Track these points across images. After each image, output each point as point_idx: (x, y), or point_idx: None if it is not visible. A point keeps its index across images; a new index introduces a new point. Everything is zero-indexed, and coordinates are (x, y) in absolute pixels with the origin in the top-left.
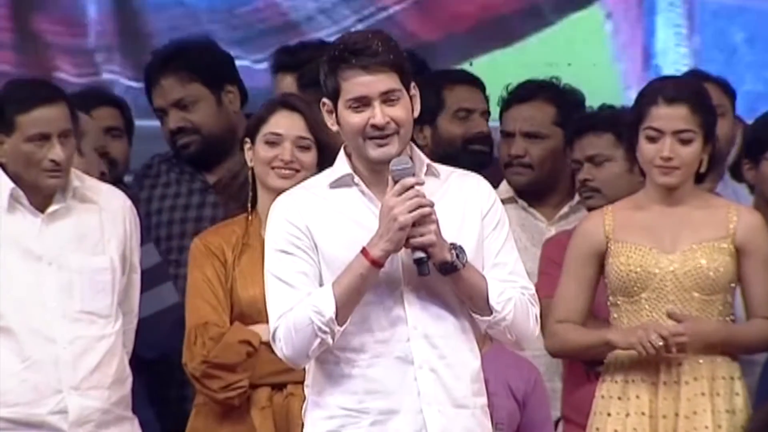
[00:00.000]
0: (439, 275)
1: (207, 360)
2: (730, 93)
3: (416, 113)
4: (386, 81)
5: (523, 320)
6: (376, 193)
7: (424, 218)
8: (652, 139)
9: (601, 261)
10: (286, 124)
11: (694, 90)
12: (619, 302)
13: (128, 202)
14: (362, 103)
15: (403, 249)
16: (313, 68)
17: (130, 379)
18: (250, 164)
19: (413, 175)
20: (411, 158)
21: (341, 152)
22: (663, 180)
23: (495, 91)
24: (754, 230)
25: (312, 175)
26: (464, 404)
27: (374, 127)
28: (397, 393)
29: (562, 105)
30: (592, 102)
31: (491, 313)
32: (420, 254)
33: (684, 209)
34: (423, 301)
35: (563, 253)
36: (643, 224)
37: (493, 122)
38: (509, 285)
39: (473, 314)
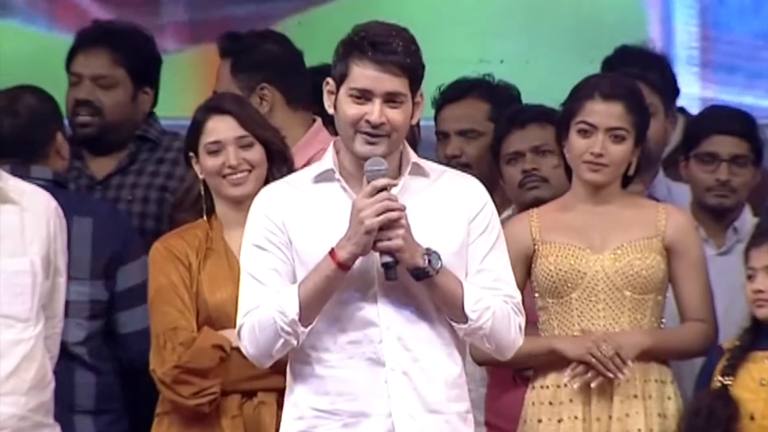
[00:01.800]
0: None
1: (179, 365)
2: (662, 91)
3: (415, 120)
4: (394, 82)
5: (503, 329)
6: (357, 191)
7: (393, 222)
8: (584, 134)
9: (528, 265)
10: (221, 128)
11: (630, 89)
12: (548, 304)
13: (53, 203)
14: (364, 96)
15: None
16: (248, 55)
17: (52, 385)
18: (201, 176)
19: (396, 175)
20: (400, 155)
21: (330, 147)
22: (590, 177)
23: None
24: (683, 230)
25: (270, 171)
26: (437, 410)
27: (368, 123)
28: (368, 395)
29: (496, 101)
30: None
31: (466, 320)
32: (387, 258)
33: (612, 208)
34: (397, 304)
35: None
36: (571, 224)
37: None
38: (491, 293)
39: (450, 321)
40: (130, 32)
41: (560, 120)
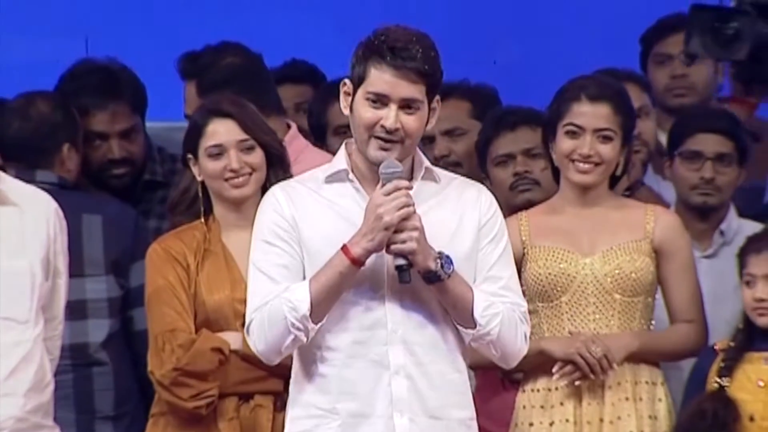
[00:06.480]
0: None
1: (178, 367)
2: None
3: (430, 126)
4: (410, 89)
5: (510, 337)
6: (370, 192)
7: (407, 224)
8: (571, 135)
9: (517, 269)
10: (223, 131)
11: (617, 90)
12: (538, 308)
13: (54, 205)
14: (380, 101)
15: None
16: (211, 74)
17: (51, 387)
18: (199, 178)
19: (408, 179)
20: (413, 160)
21: (341, 148)
22: (580, 178)
23: None
24: (671, 231)
25: (268, 175)
26: (438, 416)
27: (383, 128)
28: (369, 397)
29: (477, 99)
30: None
31: (475, 326)
32: (401, 261)
33: (600, 210)
34: (405, 307)
35: None
36: (560, 227)
37: None
38: (500, 299)
39: (457, 326)
40: (128, 73)
41: (547, 122)
